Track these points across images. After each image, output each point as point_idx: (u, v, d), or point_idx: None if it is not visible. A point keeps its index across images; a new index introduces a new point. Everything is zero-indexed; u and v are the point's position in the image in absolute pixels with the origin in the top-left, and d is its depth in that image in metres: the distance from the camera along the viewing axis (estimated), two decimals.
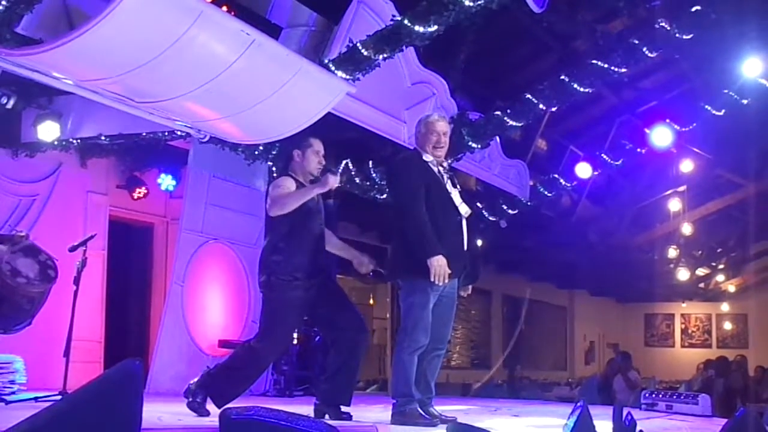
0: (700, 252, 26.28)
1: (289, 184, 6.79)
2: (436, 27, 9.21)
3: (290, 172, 6.98)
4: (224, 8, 8.49)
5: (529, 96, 12.29)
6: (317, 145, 7.03)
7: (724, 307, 29.60)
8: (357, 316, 7.03)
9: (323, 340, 10.36)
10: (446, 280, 6.41)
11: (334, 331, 7.00)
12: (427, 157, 6.76)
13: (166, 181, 12.59)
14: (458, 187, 6.88)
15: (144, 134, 9.96)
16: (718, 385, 15.62)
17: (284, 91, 7.75)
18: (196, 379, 6.96)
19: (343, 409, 6.85)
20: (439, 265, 6.33)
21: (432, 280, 6.36)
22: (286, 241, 6.76)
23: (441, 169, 6.81)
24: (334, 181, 6.59)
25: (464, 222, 6.73)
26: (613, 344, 27.13)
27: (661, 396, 9.50)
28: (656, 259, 24.49)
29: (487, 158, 14.11)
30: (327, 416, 6.71)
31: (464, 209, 6.76)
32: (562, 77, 12.09)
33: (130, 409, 2.73)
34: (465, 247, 6.70)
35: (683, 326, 30.42)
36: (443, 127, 6.90)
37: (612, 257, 22.98)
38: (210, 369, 6.98)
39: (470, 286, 7.10)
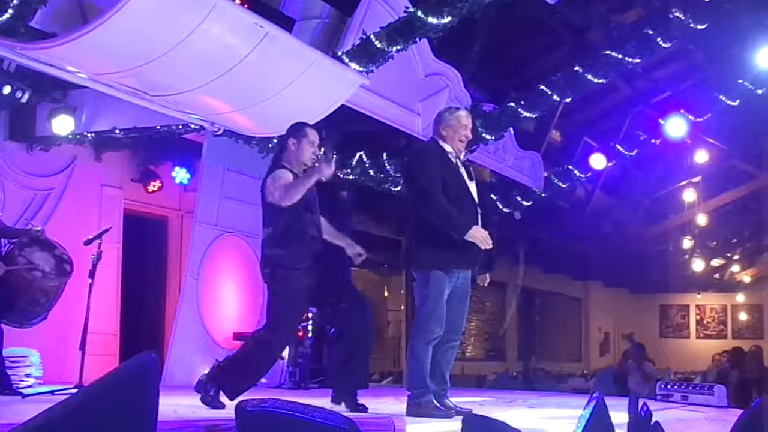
0: (714, 243, 26.21)
1: (288, 176, 6.78)
2: (449, 18, 9.19)
3: (284, 162, 6.91)
4: (237, 1, 8.49)
5: (543, 87, 12.27)
6: (312, 136, 6.97)
7: (740, 297, 29.49)
8: (358, 300, 7.07)
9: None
10: (490, 244, 6.51)
11: (339, 320, 7.06)
12: (447, 148, 6.76)
13: (181, 175, 12.62)
14: (474, 179, 6.88)
15: (158, 127, 9.97)
16: (733, 375, 15.58)
17: (298, 83, 7.76)
18: (205, 372, 6.98)
19: (360, 400, 6.86)
20: (479, 233, 6.45)
21: (483, 248, 6.49)
22: (286, 232, 6.76)
23: (458, 161, 6.81)
24: (327, 169, 6.54)
25: (479, 213, 6.74)
26: (629, 334, 27.08)
27: (676, 387, 9.49)
28: (671, 250, 24.46)
29: (501, 150, 14.09)
30: (343, 405, 6.75)
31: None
32: (576, 68, 12.07)
33: (146, 402, 2.73)
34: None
35: (698, 317, 30.32)
36: (470, 122, 6.97)
37: (627, 248, 22.95)
38: (220, 362, 7.00)
39: (488, 275, 7.11)
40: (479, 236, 6.47)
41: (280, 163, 6.93)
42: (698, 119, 15.03)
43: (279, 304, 6.89)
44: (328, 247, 7.03)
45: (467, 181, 6.75)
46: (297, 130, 6.99)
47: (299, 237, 6.77)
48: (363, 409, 6.79)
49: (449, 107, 7.31)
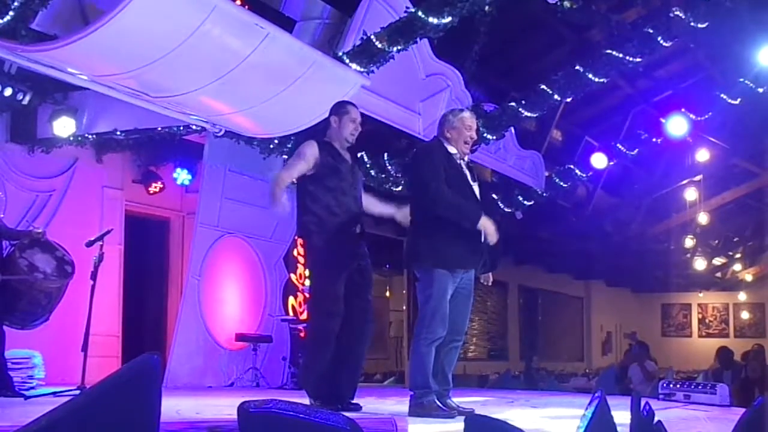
0: (716, 241, 26.23)
1: (307, 150, 6.79)
2: (450, 18, 9.20)
3: (326, 138, 6.99)
4: (238, 2, 8.49)
5: (543, 87, 12.27)
6: (354, 113, 7.06)
7: (741, 296, 29.49)
8: (367, 305, 7.02)
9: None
10: (496, 238, 6.54)
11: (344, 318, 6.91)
12: (451, 149, 6.75)
13: (182, 176, 12.63)
14: (477, 181, 6.87)
15: (159, 129, 9.98)
16: (727, 377, 15.51)
17: (298, 84, 7.76)
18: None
19: (361, 400, 6.83)
20: (489, 223, 6.50)
21: (491, 242, 6.53)
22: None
23: (462, 162, 6.80)
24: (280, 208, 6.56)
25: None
26: (631, 333, 27.08)
27: (678, 386, 9.46)
28: (673, 248, 24.45)
29: (502, 149, 14.09)
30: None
31: None
32: (577, 67, 12.07)
33: (149, 403, 2.73)
34: (483, 239, 6.69)
35: (700, 316, 30.33)
36: (474, 122, 6.95)
37: (628, 247, 22.96)
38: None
39: (490, 275, 7.11)
40: (490, 226, 6.49)
41: (322, 138, 6.96)
42: (699, 118, 15.03)
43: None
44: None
45: (471, 183, 6.75)
46: (339, 107, 7.07)
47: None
48: (357, 407, 6.72)
49: (452, 109, 7.27)
